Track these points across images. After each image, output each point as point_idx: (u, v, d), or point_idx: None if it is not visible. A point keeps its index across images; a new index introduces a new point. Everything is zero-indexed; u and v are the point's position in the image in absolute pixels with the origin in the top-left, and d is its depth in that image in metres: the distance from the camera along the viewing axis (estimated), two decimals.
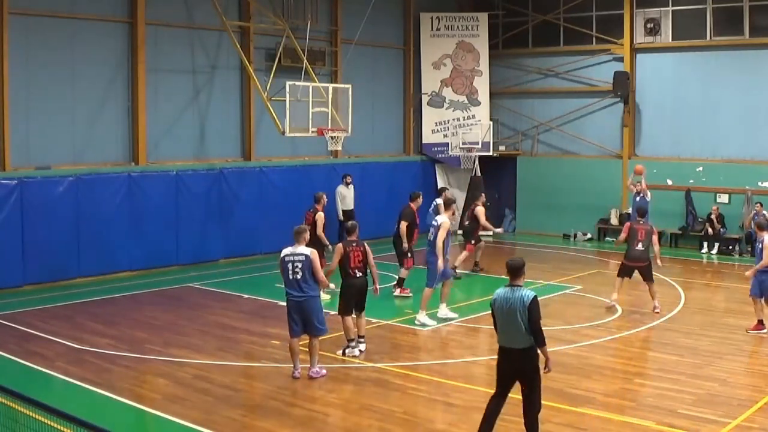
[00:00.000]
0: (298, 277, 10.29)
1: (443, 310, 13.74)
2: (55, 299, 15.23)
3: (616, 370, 11.33)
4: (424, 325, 13.31)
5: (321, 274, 10.45)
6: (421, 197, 16.41)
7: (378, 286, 11.57)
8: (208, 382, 10.40)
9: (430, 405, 9.79)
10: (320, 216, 15.47)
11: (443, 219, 13.40)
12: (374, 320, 13.27)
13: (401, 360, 11.44)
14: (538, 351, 7.83)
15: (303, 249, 10.39)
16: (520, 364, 7.85)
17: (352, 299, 11.49)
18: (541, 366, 7.90)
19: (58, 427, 6.14)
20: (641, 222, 14.65)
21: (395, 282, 15.79)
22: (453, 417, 9.21)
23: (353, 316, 11.58)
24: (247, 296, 15.74)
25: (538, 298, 7.80)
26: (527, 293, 7.78)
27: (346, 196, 20.49)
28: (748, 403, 9.57)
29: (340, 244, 11.50)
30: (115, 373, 10.75)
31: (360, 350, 11.60)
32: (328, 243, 15.07)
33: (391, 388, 10.31)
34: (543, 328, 7.77)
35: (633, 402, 9.81)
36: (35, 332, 12.83)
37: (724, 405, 9.52)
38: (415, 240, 16.11)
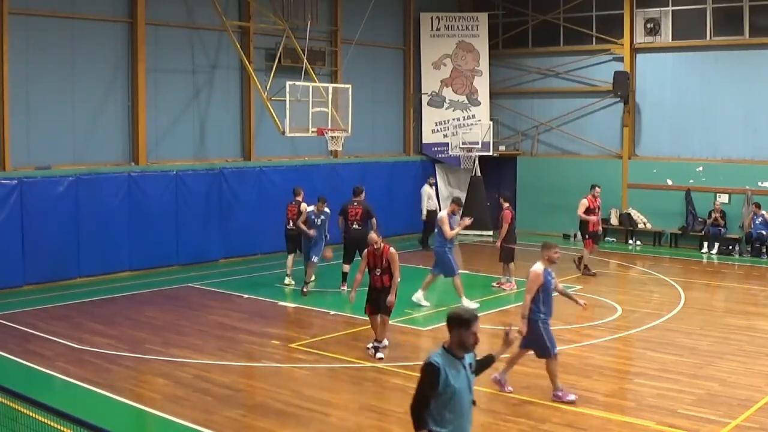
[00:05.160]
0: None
1: (418, 294, 14.91)
2: (55, 299, 15.23)
3: (616, 370, 11.34)
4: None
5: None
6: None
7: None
8: (208, 382, 10.39)
9: None
10: (305, 206, 16.30)
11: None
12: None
13: (401, 360, 11.42)
14: None
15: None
16: None
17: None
18: None
19: (58, 427, 6.14)
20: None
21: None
22: None
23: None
24: (247, 296, 15.74)
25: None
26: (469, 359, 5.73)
27: (432, 196, 22.00)
28: (748, 403, 9.57)
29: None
30: (115, 373, 10.75)
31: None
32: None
33: (391, 388, 10.32)
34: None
35: (633, 402, 9.80)
36: (35, 332, 12.83)
37: (724, 405, 9.51)
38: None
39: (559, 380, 9.66)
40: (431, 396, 5.39)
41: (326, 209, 16.15)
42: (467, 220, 15.15)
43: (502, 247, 16.38)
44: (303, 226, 15.96)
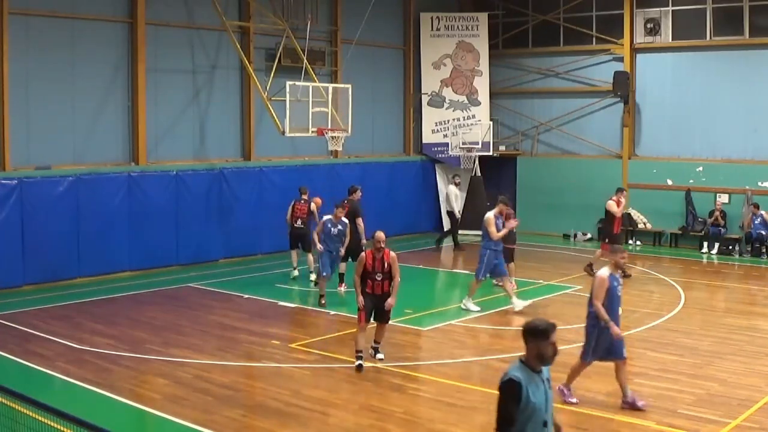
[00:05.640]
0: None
1: (517, 302, 14.58)
2: (55, 299, 15.22)
3: None
4: (469, 310, 14.33)
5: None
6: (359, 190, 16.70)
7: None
8: (208, 382, 10.39)
9: (430, 405, 9.78)
10: (315, 206, 16.44)
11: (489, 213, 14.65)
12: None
13: (401, 360, 11.43)
14: None
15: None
16: None
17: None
18: None
19: (58, 427, 6.14)
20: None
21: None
22: (453, 417, 9.20)
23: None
24: (247, 296, 15.74)
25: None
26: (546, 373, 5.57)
27: (459, 196, 22.37)
28: (748, 403, 9.57)
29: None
30: (115, 373, 10.75)
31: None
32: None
33: (391, 388, 10.31)
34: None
35: None
36: (35, 332, 12.82)
37: (724, 405, 9.51)
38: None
39: (573, 382, 9.69)
40: (515, 413, 5.07)
41: (344, 219, 14.96)
42: (514, 222, 15.13)
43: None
44: (316, 238, 15.04)
